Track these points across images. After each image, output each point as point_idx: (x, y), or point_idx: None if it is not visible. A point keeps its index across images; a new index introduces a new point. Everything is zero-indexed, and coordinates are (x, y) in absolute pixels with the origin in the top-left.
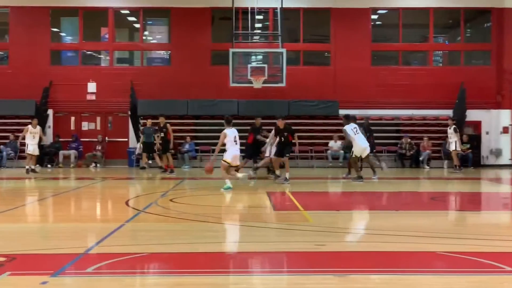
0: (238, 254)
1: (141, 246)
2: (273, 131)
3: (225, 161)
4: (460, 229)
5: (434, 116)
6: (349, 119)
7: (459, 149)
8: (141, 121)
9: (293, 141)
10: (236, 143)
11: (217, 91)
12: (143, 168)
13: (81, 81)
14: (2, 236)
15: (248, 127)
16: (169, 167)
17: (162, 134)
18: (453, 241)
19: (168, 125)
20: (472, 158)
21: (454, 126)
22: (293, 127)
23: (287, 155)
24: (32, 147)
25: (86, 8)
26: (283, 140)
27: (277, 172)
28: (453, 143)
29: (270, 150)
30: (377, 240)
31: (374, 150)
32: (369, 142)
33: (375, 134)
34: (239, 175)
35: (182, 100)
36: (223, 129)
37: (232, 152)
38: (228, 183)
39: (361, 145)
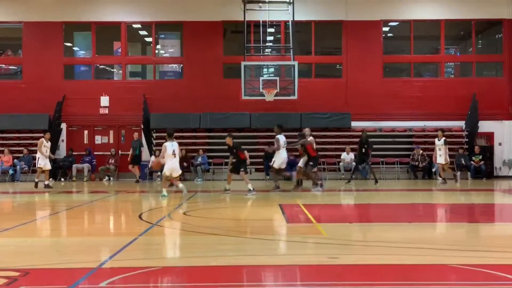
0: (251, 267)
1: (155, 260)
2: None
3: (164, 173)
4: (473, 241)
5: (446, 127)
6: (282, 129)
7: (444, 162)
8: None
9: (245, 158)
10: (174, 156)
11: (229, 104)
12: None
13: (94, 95)
14: (16, 251)
15: (261, 140)
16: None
17: None
18: (465, 254)
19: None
20: (485, 170)
21: (444, 138)
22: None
23: (242, 170)
24: (43, 162)
25: (98, 23)
26: (233, 158)
27: (227, 186)
28: (441, 155)
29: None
30: (390, 253)
31: (365, 163)
32: (366, 154)
33: (387, 146)
34: (180, 185)
35: (195, 113)
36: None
37: (170, 165)
38: (164, 191)
39: (284, 157)
